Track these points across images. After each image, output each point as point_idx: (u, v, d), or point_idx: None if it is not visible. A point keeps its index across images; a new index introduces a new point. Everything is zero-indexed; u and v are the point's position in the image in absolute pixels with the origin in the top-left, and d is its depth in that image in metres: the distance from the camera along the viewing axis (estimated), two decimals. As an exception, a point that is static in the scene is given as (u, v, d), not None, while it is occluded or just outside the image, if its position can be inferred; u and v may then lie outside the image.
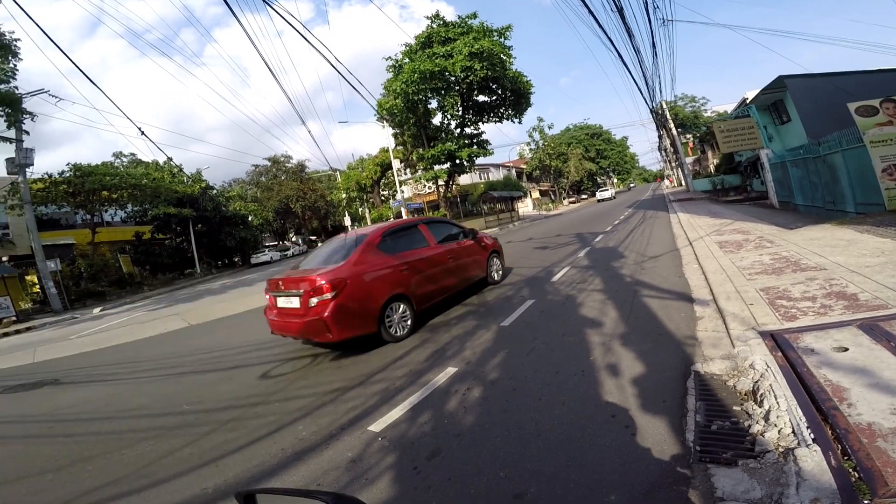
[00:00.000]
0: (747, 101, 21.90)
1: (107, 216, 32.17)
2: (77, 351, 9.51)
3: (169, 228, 32.48)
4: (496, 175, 55.99)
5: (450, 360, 4.59)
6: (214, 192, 38.42)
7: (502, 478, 2.48)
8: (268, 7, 8.75)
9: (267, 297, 6.10)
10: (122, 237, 31.57)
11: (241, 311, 11.32)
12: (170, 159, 21.51)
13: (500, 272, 8.67)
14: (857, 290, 4.22)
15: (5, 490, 3.33)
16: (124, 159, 37.52)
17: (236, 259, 40.40)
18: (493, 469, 2.57)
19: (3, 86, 16.71)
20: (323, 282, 5.21)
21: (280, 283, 5.80)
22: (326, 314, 5.07)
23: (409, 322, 5.92)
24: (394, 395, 3.90)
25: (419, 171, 30.40)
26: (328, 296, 5.16)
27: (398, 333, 5.72)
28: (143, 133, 12.01)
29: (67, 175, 23.90)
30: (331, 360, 5.35)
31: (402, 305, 5.88)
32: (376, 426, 3.36)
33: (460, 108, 27.08)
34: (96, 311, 18.54)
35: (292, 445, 3.30)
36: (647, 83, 24.41)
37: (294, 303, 5.48)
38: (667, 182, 62.06)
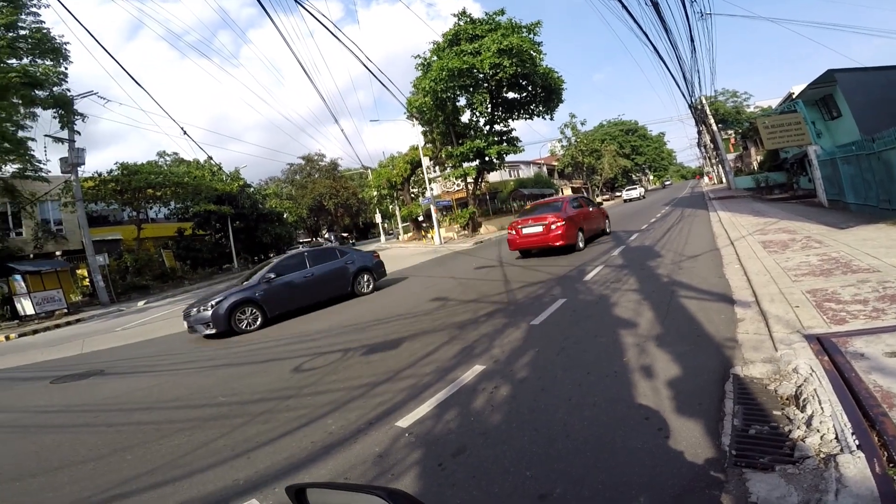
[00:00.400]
0: (793, 96, 20.92)
1: (151, 213, 33.61)
2: (122, 342, 9.95)
3: (209, 225, 33.69)
4: (526, 172, 55.34)
5: (478, 358, 4.57)
6: (251, 189, 39.60)
7: (528, 477, 2.45)
8: (300, 7, 8.92)
9: (511, 230, 12.00)
10: (165, 233, 32.95)
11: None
12: (210, 158, 22.31)
13: (610, 228, 14.82)
14: (915, 293, 3.95)
15: (48, 478, 3.49)
16: (168, 158, 39.16)
17: (271, 254, 41.52)
18: (519, 468, 2.54)
19: (55, 88, 17.64)
20: (557, 218, 11.12)
21: (529, 220, 11.73)
22: (560, 232, 10.91)
23: (583, 243, 11.81)
24: (421, 392, 3.92)
25: (448, 168, 30.34)
26: (560, 223, 11.00)
27: (581, 247, 11.56)
28: (185, 133, 12.52)
29: (116, 174, 25.13)
30: (360, 356, 5.43)
31: (580, 233, 11.68)
32: (403, 422, 3.38)
33: (489, 106, 26.78)
34: (140, 304, 19.40)
35: (322, 439, 3.36)
36: (685, 78, 23.62)
37: (538, 229, 11.29)
38: (706, 179, 59.82)
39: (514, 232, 11.76)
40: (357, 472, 2.81)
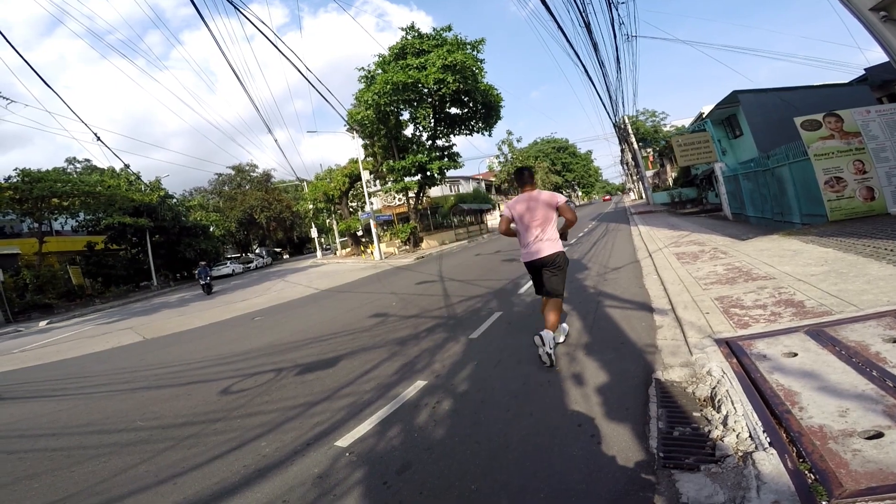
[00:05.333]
0: (703, 116, 22.71)
1: (56, 225, 30.50)
2: (21, 365, 9.00)
3: (124, 239, 31.00)
4: (466, 187, 56.45)
5: (419, 374, 4.55)
6: (174, 201, 37.02)
7: (473, 490, 2.47)
8: (238, 12, 8.61)
9: (604, 198, 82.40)
10: (72, 247, 29.95)
11: (199, 324, 10.92)
12: (127, 166, 20.47)
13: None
14: (804, 298, 4.46)
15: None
16: (78, 165, 35.87)
17: (196, 271, 38.98)
18: (464, 482, 2.56)
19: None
20: (610, 198, 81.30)
21: (609, 197, 74.76)
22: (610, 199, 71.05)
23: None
24: (361, 410, 3.83)
25: (389, 182, 30.20)
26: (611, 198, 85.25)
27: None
28: (98, 138, 11.49)
29: (14, 181, 22.57)
30: (294, 376, 5.22)
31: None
32: (343, 441, 3.29)
33: (432, 121, 27.00)
34: (42, 324, 17.51)
35: (255, 462, 3.19)
36: (610, 98, 25.29)
37: (608, 198, 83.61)
38: (633, 195, 64.37)
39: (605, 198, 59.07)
40: (296, 494, 2.70)
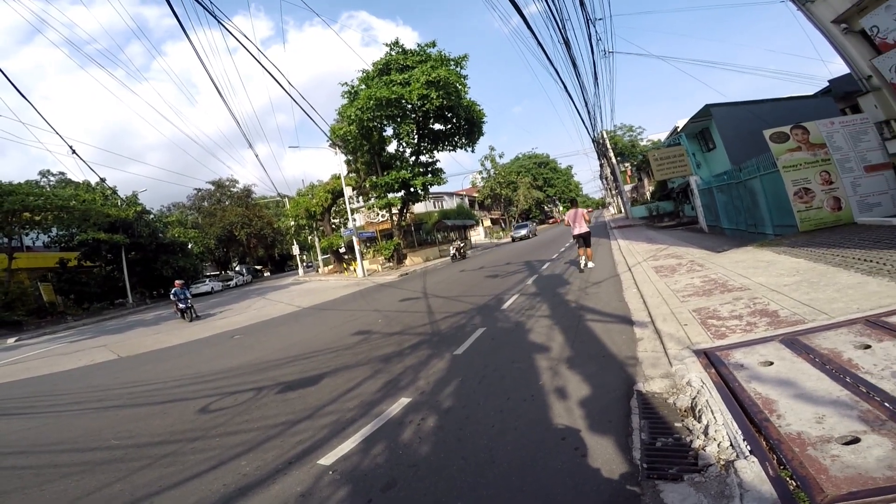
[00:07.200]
0: (678, 130, 23.14)
1: (27, 240, 29.53)
2: (-14, 386, 8.59)
3: (98, 255, 30.14)
4: (450, 203, 56.57)
5: (403, 390, 4.51)
6: (151, 216, 36.26)
7: (458, 507, 2.45)
8: (221, 26, 8.62)
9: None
10: (43, 264, 28.98)
11: (177, 342, 10.65)
12: (102, 180, 20.00)
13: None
14: (778, 308, 4.59)
15: None
16: (52, 178, 34.97)
17: (171, 292, 38.03)
18: (450, 499, 2.54)
19: None
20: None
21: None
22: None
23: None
24: (345, 427, 3.78)
25: (372, 198, 30.04)
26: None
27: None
28: (74, 151, 11.24)
29: (-17, 194, 21.83)
30: (276, 394, 5.12)
31: None
32: (326, 459, 3.23)
33: (416, 136, 27.02)
34: (11, 341, 16.90)
35: (235, 481, 3.11)
36: (589, 113, 25.72)
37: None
38: (612, 209, 65.41)
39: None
40: (277, 517, 2.64)
